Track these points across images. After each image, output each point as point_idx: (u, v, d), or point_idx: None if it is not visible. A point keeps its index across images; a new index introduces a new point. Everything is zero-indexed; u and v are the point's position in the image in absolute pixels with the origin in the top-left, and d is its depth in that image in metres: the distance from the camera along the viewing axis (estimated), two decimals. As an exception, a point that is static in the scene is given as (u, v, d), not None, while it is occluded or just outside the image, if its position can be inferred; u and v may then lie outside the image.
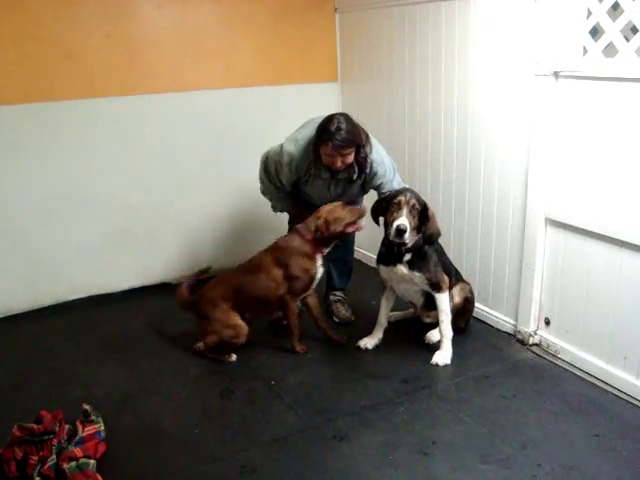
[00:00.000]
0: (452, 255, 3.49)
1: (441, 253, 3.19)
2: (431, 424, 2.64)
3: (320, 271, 3.20)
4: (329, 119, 3.00)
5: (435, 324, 3.26)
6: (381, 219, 3.08)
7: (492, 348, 3.27)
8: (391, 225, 2.91)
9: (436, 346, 3.20)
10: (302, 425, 2.67)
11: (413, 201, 2.92)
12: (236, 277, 3.24)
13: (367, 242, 4.19)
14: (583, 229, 2.87)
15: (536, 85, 2.93)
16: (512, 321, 3.37)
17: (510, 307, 3.37)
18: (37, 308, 3.90)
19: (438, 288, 3.08)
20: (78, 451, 2.41)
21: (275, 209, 3.52)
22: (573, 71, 2.79)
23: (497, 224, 3.34)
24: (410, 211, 2.90)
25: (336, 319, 3.63)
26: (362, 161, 3.10)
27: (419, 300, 3.27)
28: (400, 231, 2.86)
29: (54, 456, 2.37)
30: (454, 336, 3.15)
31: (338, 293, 3.75)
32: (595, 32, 2.75)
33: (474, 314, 3.47)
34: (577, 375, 2.97)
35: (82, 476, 2.32)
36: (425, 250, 3.04)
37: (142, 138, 3.99)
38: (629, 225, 2.63)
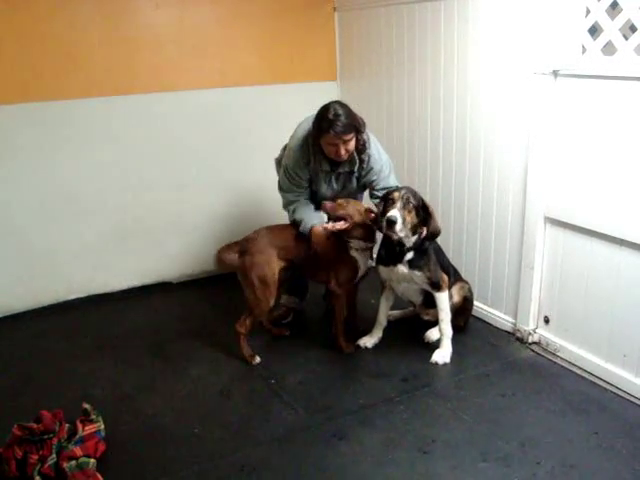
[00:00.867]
0: (451, 254, 3.49)
1: (439, 252, 3.19)
2: (431, 423, 2.64)
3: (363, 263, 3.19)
4: (325, 108, 2.97)
5: (434, 322, 3.27)
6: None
7: (491, 346, 3.28)
8: (381, 217, 2.90)
9: (435, 345, 3.20)
10: (302, 424, 2.68)
11: (407, 195, 2.90)
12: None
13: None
14: (582, 227, 2.87)
15: (535, 84, 2.93)
16: (511, 319, 3.37)
17: (509, 305, 3.38)
18: (37, 307, 3.90)
19: (438, 287, 3.08)
20: (78, 450, 2.42)
21: (304, 228, 3.18)
22: (572, 70, 2.79)
23: (496, 223, 3.35)
24: (404, 205, 2.87)
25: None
26: (361, 148, 3.09)
27: (418, 299, 3.27)
28: (390, 222, 2.82)
29: (54, 455, 2.37)
30: (453, 335, 3.16)
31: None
32: (594, 31, 2.75)
33: (473, 312, 3.48)
34: (576, 373, 2.97)
35: (82, 475, 2.32)
36: (425, 249, 3.04)
37: (141, 137, 3.99)
38: (628, 223, 2.63)
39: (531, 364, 3.09)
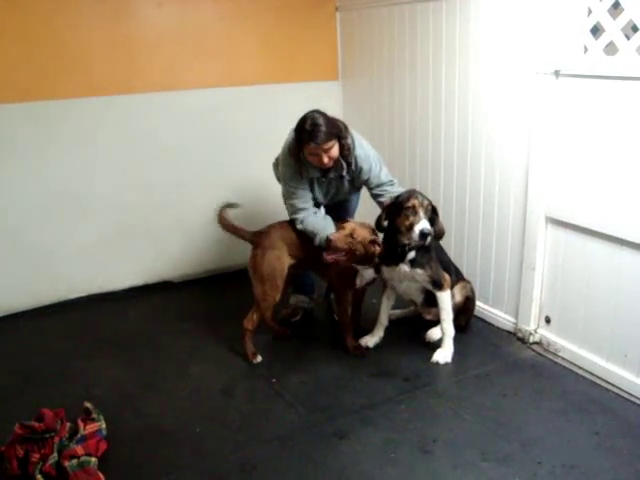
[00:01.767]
0: (453, 253, 3.49)
1: (440, 251, 3.19)
2: (432, 422, 2.65)
3: (366, 272, 3.17)
4: (303, 119, 2.96)
5: (436, 322, 3.27)
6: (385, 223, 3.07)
7: (493, 346, 3.28)
8: (408, 230, 2.88)
9: (437, 344, 3.20)
10: (303, 423, 2.68)
11: (426, 202, 2.92)
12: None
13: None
14: (583, 227, 2.87)
15: (537, 84, 2.93)
16: (513, 319, 3.37)
17: (511, 305, 3.38)
18: (38, 307, 3.90)
19: (440, 286, 3.08)
20: (79, 449, 2.42)
21: (320, 241, 3.08)
22: (574, 70, 2.79)
23: (497, 223, 3.35)
24: (426, 213, 2.90)
25: (336, 317, 3.63)
26: (347, 153, 3.07)
27: (419, 298, 3.27)
28: (424, 234, 2.85)
29: (55, 454, 2.38)
30: (454, 334, 3.16)
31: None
32: (596, 31, 2.75)
33: (474, 312, 3.47)
34: (577, 373, 2.97)
35: (83, 474, 2.32)
36: (427, 248, 3.04)
37: (143, 137, 3.99)
38: (629, 223, 2.63)
39: (532, 364, 3.09)
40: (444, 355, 3.12)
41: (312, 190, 3.23)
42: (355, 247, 2.96)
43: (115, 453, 2.52)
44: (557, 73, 2.85)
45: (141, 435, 2.65)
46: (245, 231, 3.27)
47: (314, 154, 2.97)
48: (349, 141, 3.06)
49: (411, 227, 2.88)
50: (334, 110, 4.36)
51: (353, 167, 3.14)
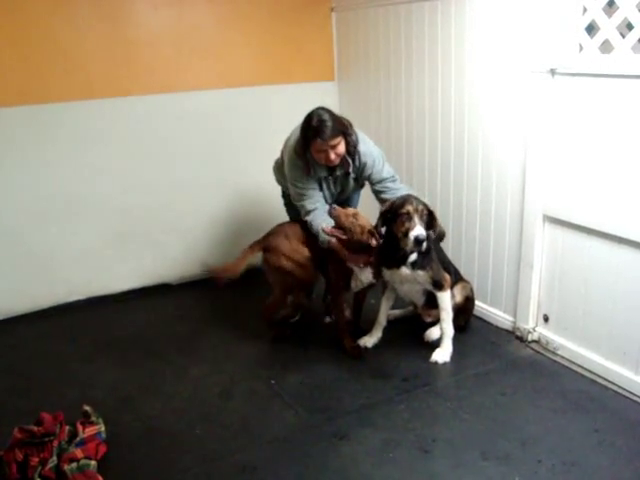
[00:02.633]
0: (451, 253, 3.49)
1: (440, 251, 3.20)
2: (431, 422, 2.65)
3: (363, 275, 3.17)
4: (309, 116, 2.99)
5: (435, 323, 3.27)
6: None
7: (491, 345, 3.28)
8: (405, 236, 2.89)
9: (435, 344, 3.20)
10: (302, 424, 2.68)
11: (421, 207, 2.91)
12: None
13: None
14: (581, 226, 2.87)
15: (532, 82, 2.93)
16: (511, 318, 3.37)
17: (509, 304, 3.38)
18: (37, 310, 3.90)
19: (440, 286, 3.08)
20: (79, 452, 2.42)
21: (322, 240, 3.11)
22: (569, 68, 2.79)
23: (495, 222, 3.35)
24: (421, 218, 2.89)
25: (327, 320, 3.63)
26: (352, 150, 3.09)
27: (420, 300, 3.27)
28: (419, 241, 2.85)
29: (55, 457, 2.38)
30: (453, 334, 3.16)
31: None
32: (591, 29, 2.75)
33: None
34: (576, 371, 2.97)
35: (83, 477, 2.32)
36: (427, 250, 3.04)
37: (140, 139, 3.99)
38: (627, 221, 2.64)
39: (531, 362, 3.10)
40: (443, 355, 3.12)
41: (320, 189, 3.24)
42: (355, 229, 2.97)
43: (115, 456, 2.52)
44: (553, 72, 2.85)
45: (140, 437, 2.64)
46: (252, 248, 3.34)
47: (321, 151, 2.99)
48: (354, 138, 3.08)
49: (407, 233, 2.88)
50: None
51: (357, 163, 3.15)
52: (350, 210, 3.05)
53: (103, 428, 2.60)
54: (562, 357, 3.08)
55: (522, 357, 3.15)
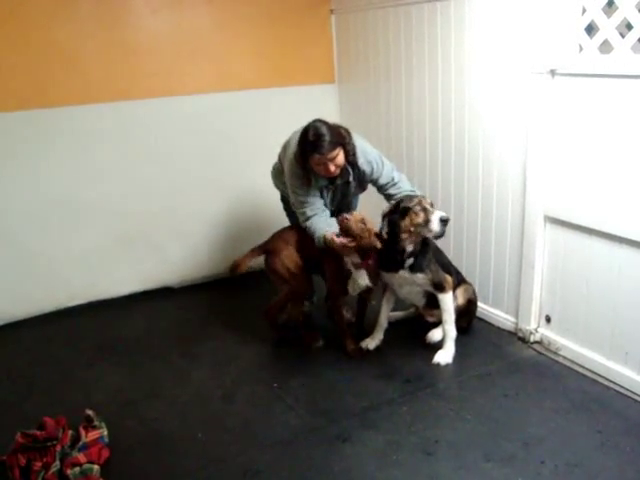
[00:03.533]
0: (452, 254, 3.49)
1: (439, 254, 3.19)
2: (434, 424, 2.64)
3: (360, 278, 3.16)
4: (305, 130, 2.96)
5: (437, 323, 3.26)
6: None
7: (493, 346, 3.27)
8: (425, 225, 2.89)
9: (437, 345, 3.20)
10: (305, 427, 2.67)
11: (429, 200, 2.98)
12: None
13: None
14: (582, 226, 2.87)
15: (533, 83, 2.93)
16: (513, 319, 3.37)
17: (511, 305, 3.37)
18: (38, 314, 3.90)
19: (441, 288, 3.08)
20: (82, 457, 2.42)
21: (319, 241, 3.09)
22: (569, 69, 2.79)
23: (496, 222, 3.35)
24: (432, 206, 2.95)
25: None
26: (352, 159, 3.07)
27: (421, 302, 3.27)
28: (445, 220, 2.88)
29: (58, 462, 2.38)
30: (456, 335, 3.15)
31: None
32: (590, 29, 2.75)
33: (474, 313, 3.48)
34: (579, 372, 2.97)
35: (86, 481, 2.32)
36: (424, 251, 3.04)
37: (140, 143, 3.99)
38: (628, 221, 2.63)
39: (533, 363, 3.09)
40: (445, 356, 3.12)
41: (321, 197, 3.22)
42: (363, 234, 2.95)
43: (117, 460, 2.52)
44: (553, 72, 2.85)
45: (143, 442, 2.64)
46: (257, 251, 3.38)
47: (320, 164, 2.97)
48: (352, 146, 3.05)
49: (427, 222, 2.88)
50: (331, 113, 4.41)
51: (357, 170, 3.15)
52: (358, 216, 3.01)
53: (106, 432, 2.60)
54: (564, 358, 3.07)
55: (524, 358, 3.15)
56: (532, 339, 3.24)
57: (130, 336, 3.64)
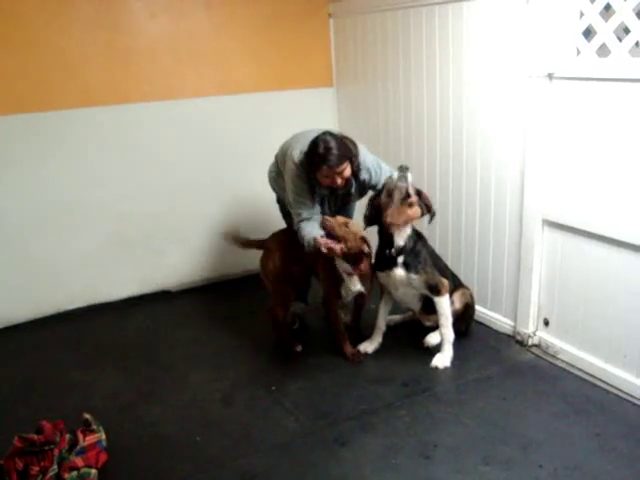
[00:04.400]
0: (450, 258, 3.50)
1: (436, 258, 3.19)
2: (432, 427, 2.64)
3: (352, 284, 3.16)
4: (315, 143, 2.94)
5: (435, 327, 3.26)
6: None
7: (491, 350, 3.27)
8: (405, 200, 2.92)
9: (435, 349, 3.20)
10: (303, 430, 2.67)
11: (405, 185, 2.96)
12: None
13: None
14: (580, 230, 2.87)
15: (530, 87, 2.94)
16: (511, 322, 3.37)
17: (509, 308, 3.38)
18: (37, 318, 3.90)
19: (437, 291, 3.07)
20: (79, 461, 2.42)
21: (309, 245, 3.03)
22: (567, 72, 2.80)
23: (494, 226, 3.35)
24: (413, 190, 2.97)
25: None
26: (357, 170, 3.08)
27: (417, 305, 3.27)
28: (402, 167, 2.92)
29: (55, 466, 2.37)
30: (454, 338, 3.15)
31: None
32: (588, 33, 2.76)
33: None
34: (577, 375, 2.97)
35: (83, 485, 2.32)
36: (418, 250, 3.04)
37: (139, 146, 3.99)
38: (626, 225, 2.64)
39: (531, 367, 3.09)
40: (443, 360, 3.11)
41: (321, 205, 3.22)
42: (348, 236, 2.96)
43: (115, 464, 2.51)
44: (550, 76, 2.86)
45: (141, 445, 2.64)
46: (257, 241, 3.49)
47: (328, 177, 2.97)
48: (358, 159, 3.06)
49: (405, 198, 2.93)
50: (329, 116, 4.41)
51: (359, 180, 3.16)
52: (340, 219, 3.03)
53: (104, 436, 2.59)
54: (562, 361, 3.07)
55: (523, 361, 3.15)
56: (530, 342, 3.24)
57: (129, 339, 3.63)
